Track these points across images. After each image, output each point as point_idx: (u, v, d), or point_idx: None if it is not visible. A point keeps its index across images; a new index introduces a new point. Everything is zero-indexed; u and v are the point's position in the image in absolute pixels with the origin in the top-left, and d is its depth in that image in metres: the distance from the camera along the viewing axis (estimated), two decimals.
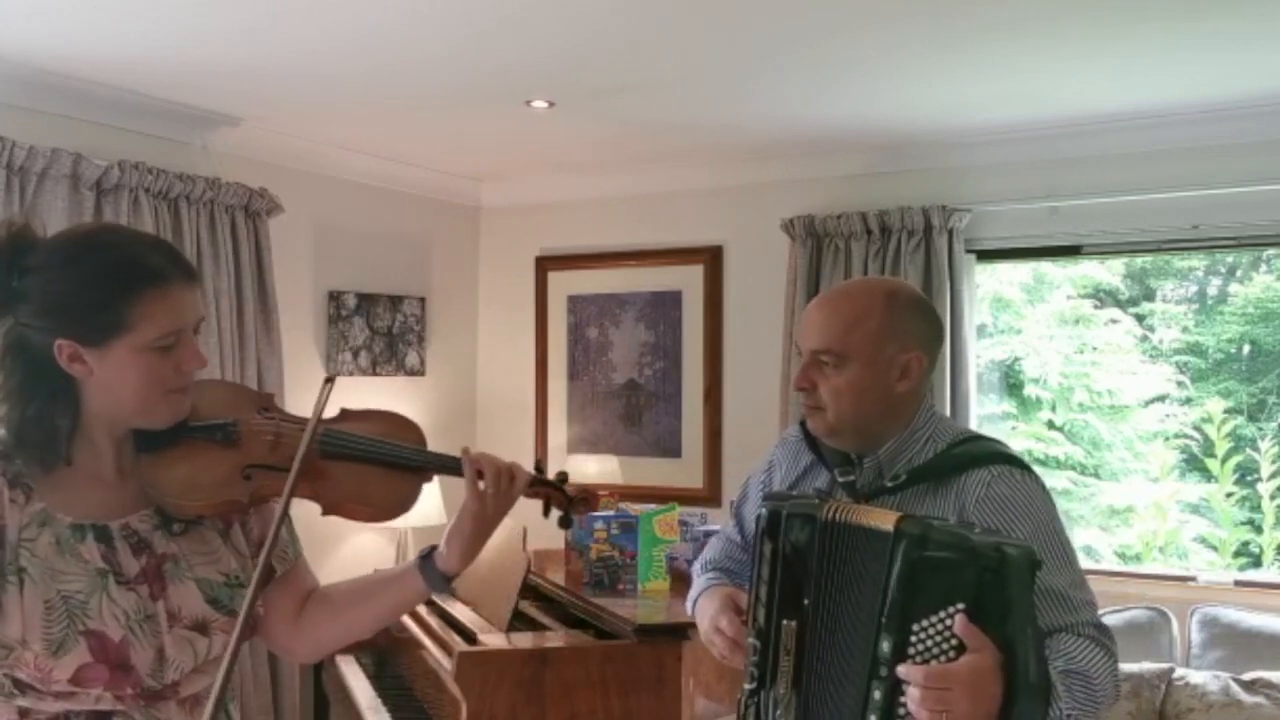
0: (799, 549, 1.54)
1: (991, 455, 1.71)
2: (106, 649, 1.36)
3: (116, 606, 1.39)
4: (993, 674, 1.38)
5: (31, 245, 1.42)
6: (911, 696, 1.39)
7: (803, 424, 1.87)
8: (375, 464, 1.58)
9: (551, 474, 1.72)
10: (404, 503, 1.59)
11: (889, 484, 1.71)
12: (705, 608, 1.83)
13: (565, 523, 1.73)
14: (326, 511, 1.56)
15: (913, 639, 1.41)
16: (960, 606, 1.39)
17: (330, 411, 1.60)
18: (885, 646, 1.43)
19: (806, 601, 1.52)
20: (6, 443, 1.43)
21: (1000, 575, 1.38)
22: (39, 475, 1.42)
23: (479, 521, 1.58)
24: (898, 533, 1.44)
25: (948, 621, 1.39)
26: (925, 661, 1.41)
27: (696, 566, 2.05)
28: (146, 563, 1.44)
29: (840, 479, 1.77)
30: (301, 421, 1.56)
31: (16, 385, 1.42)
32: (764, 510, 1.59)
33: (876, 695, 1.43)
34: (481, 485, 1.58)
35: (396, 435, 1.63)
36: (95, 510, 1.44)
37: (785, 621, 1.53)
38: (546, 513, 1.71)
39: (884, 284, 1.84)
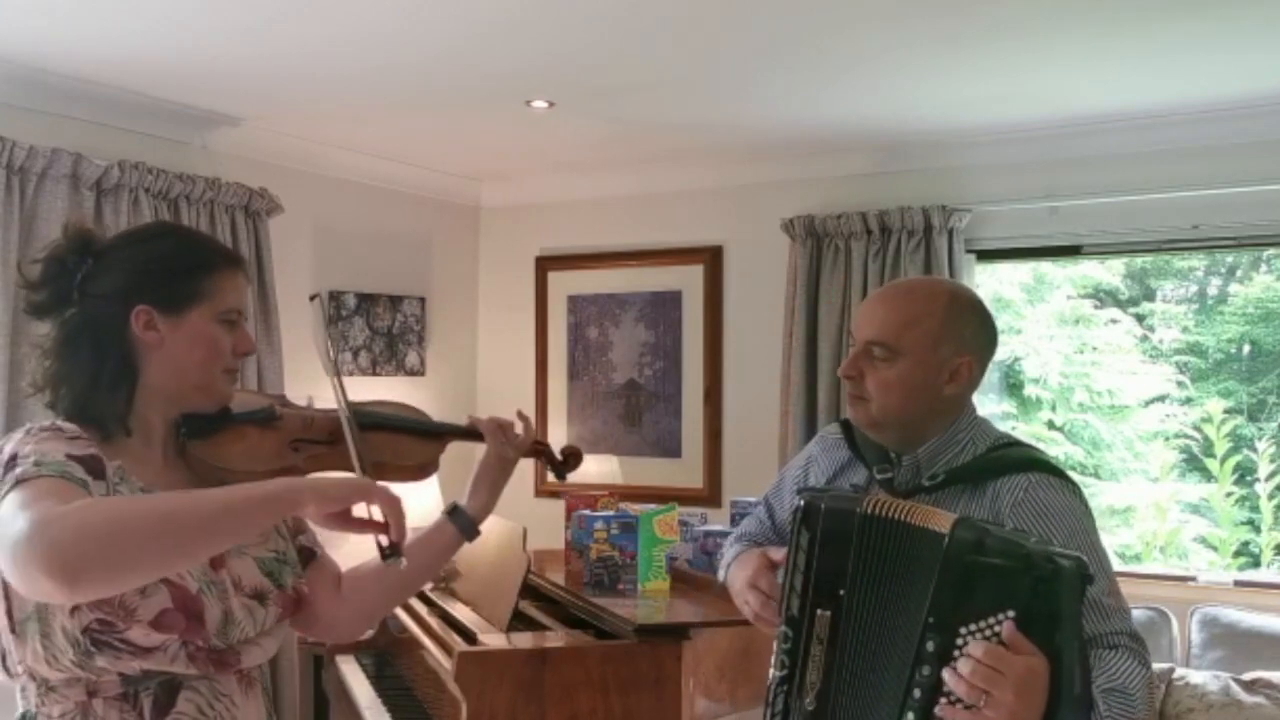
0: (837, 540, 1.53)
1: (1031, 461, 1.71)
2: (185, 599, 1.42)
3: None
4: (1043, 680, 1.38)
5: (100, 239, 1.55)
6: (962, 667, 1.39)
7: (843, 422, 1.88)
8: (401, 432, 1.79)
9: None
10: (432, 463, 1.81)
11: (926, 483, 1.71)
12: (739, 571, 1.83)
13: (560, 477, 2.00)
14: (368, 476, 1.69)
15: (959, 641, 1.41)
16: (1010, 614, 1.38)
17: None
18: (930, 647, 1.42)
19: (842, 592, 1.52)
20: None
21: (1052, 586, 1.38)
22: (99, 445, 1.47)
23: (502, 465, 1.81)
24: (952, 535, 1.43)
25: (996, 628, 1.39)
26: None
27: (730, 539, 2.07)
28: None
29: (878, 476, 1.77)
30: (320, 410, 1.74)
31: (80, 363, 1.49)
32: (802, 501, 1.58)
33: (916, 694, 1.43)
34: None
35: (407, 413, 1.86)
36: (154, 485, 1.50)
37: (819, 611, 1.53)
38: (545, 466, 1.98)
39: (948, 285, 1.85)
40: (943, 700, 1.41)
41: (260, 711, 1.58)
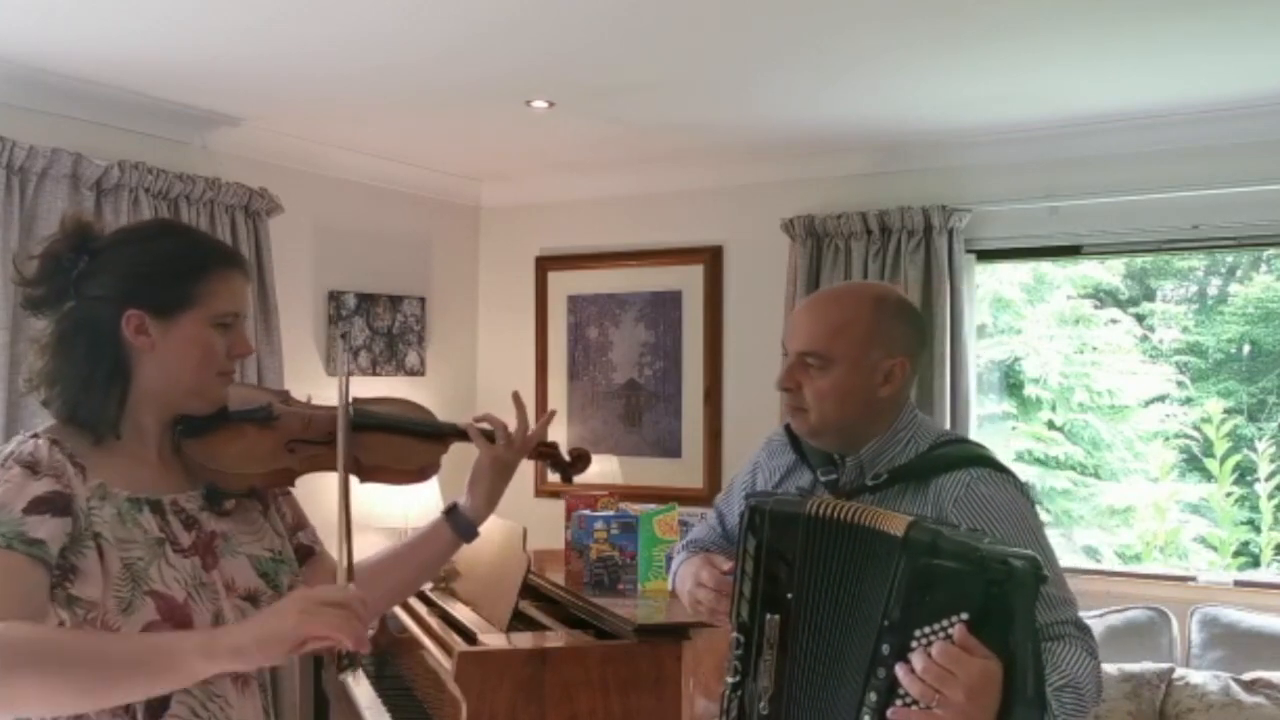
0: (782, 544, 1.54)
1: (972, 458, 1.73)
2: (172, 609, 1.42)
3: (175, 571, 1.46)
4: (996, 682, 1.39)
5: (97, 234, 1.52)
6: (916, 663, 1.39)
7: (787, 426, 1.89)
8: (401, 433, 1.73)
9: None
10: (432, 465, 1.74)
11: (870, 483, 1.72)
12: (685, 572, 1.86)
13: (566, 479, 1.92)
14: (365, 478, 1.69)
15: (913, 644, 1.41)
16: (964, 616, 1.39)
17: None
18: (885, 649, 1.43)
19: (790, 596, 1.53)
20: (56, 426, 1.48)
21: (1005, 588, 1.38)
22: (89, 450, 1.46)
23: (499, 468, 1.75)
24: (907, 538, 1.44)
25: (950, 631, 1.39)
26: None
27: (678, 546, 2.09)
28: (197, 537, 1.51)
29: (822, 478, 1.79)
30: (323, 407, 1.70)
31: (76, 361, 1.48)
32: (747, 506, 1.59)
33: (872, 696, 1.44)
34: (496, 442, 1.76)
35: (411, 412, 1.80)
36: (143, 486, 1.49)
37: (769, 615, 1.54)
38: (551, 469, 1.91)
39: (872, 288, 1.87)
40: (897, 702, 1.41)
41: (256, 710, 1.57)
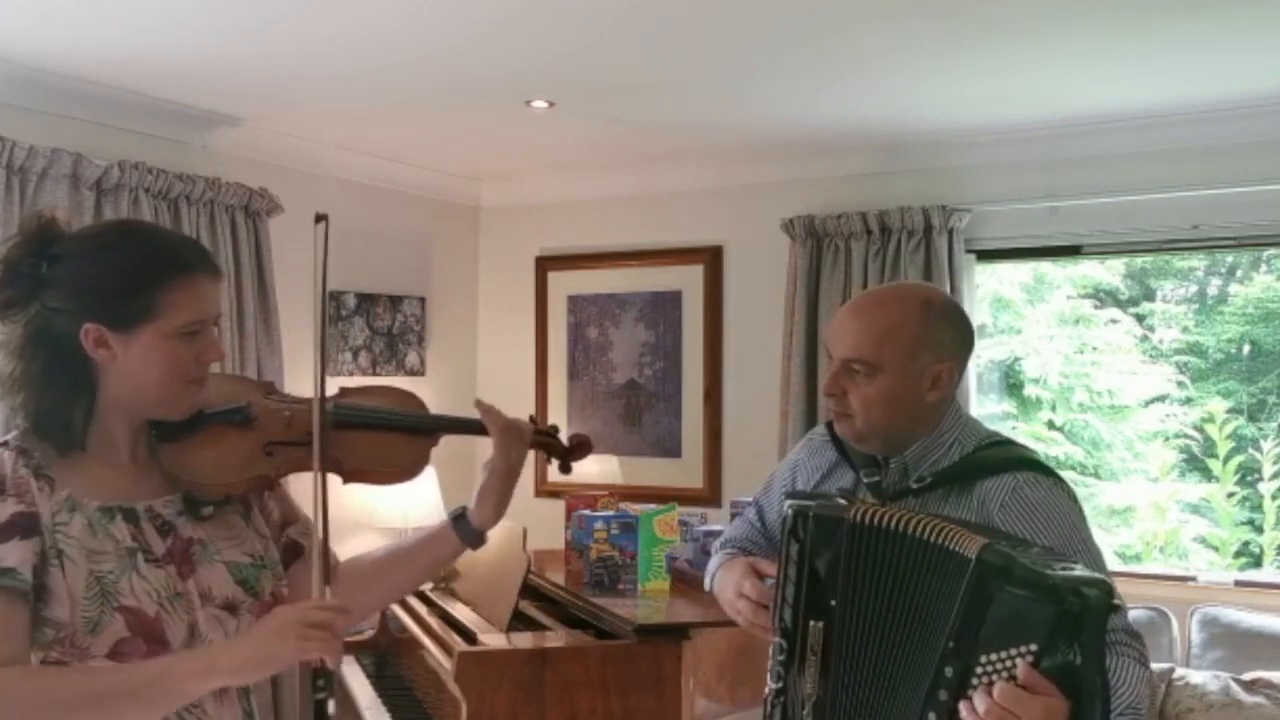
0: (826, 549, 1.51)
1: (1018, 461, 1.70)
2: (142, 623, 1.40)
3: (147, 584, 1.43)
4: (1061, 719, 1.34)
5: (60, 235, 1.47)
6: (978, 703, 1.35)
7: (829, 425, 1.86)
8: (387, 430, 1.66)
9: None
10: (418, 464, 1.68)
11: (914, 485, 1.70)
12: (726, 578, 1.82)
13: (565, 469, 1.84)
14: (348, 479, 1.63)
15: (979, 669, 1.37)
16: (1032, 647, 1.34)
17: (329, 393, 1.66)
18: (948, 672, 1.39)
19: (833, 603, 1.50)
20: (23, 434, 1.45)
21: (1079, 620, 1.33)
22: (55, 461, 1.44)
23: (510, 469, 1.70)
24: (979, 561, 1.38)
25: (1018, 659, 1.35)
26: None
27: (716, 544, 2.05)
28: (173, 544, 1.48)
29: (866, 480, 1.76)
30: (305, 401, 1.63)
31: (38, 372, 1.44)
32: (790, 510, 1.55)
33: (932, 716, 1.40)
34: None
35: (399, 404, 1.75)
36: (116, 494, 1.47)
37: (812, 622, 1.51)
38: (549, 460, 1.83)
39: (920, 292, 1.83)
40: None
41: (236, 716, 1.54)
